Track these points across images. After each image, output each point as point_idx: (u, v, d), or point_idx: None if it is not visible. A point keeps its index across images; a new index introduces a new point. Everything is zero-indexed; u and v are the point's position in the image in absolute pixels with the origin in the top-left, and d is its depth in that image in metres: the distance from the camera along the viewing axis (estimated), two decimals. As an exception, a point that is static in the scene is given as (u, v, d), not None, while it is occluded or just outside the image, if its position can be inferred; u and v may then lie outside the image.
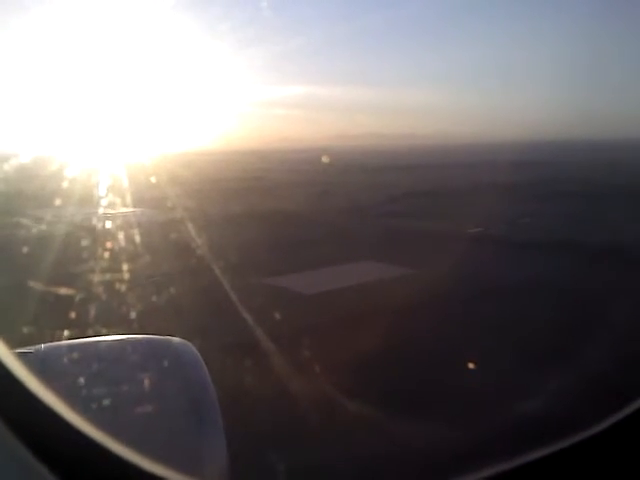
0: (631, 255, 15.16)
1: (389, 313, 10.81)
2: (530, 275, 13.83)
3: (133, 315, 9.66)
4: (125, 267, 12.29)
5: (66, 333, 5.98)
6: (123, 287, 11.17)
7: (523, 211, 25.11)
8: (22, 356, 1.76)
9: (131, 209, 21.14)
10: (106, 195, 20.04)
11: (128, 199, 20.99)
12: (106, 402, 1.83)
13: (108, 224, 17.62)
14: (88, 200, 19.94)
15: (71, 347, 2.30)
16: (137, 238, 15.93)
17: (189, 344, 2.35)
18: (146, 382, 1.98)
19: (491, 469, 1.13)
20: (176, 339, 2.39)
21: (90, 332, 7.23)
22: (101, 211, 18.74)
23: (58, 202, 20.77)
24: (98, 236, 16.04)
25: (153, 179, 28.89)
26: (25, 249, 15.10)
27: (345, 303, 12.09)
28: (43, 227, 20.37)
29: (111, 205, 19.54)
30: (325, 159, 68.43)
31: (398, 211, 25.82)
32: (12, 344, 1.45)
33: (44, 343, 2.21)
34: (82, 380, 1.91)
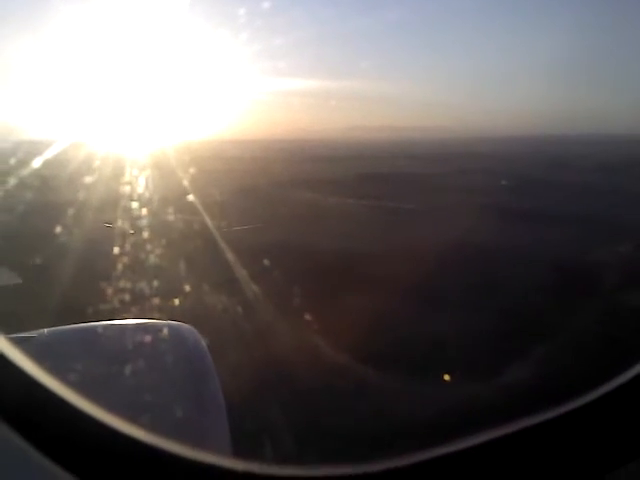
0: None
1: None
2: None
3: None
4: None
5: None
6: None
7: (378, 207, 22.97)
8: (24, 341, 1.85)
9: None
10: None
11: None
12: (110, 386, 1.78)
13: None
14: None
15: (74, 331, 2.28)
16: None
17: (192, 328, 2.33)
18: (150, 366, 1.95)
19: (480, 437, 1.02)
20: (180, 324, 2.37)
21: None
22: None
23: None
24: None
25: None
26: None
27: None
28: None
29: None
30: (305, 149, 71.53)
31: (229, 203, 23.08)
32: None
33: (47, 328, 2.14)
34: (85, 365, 1.85)
